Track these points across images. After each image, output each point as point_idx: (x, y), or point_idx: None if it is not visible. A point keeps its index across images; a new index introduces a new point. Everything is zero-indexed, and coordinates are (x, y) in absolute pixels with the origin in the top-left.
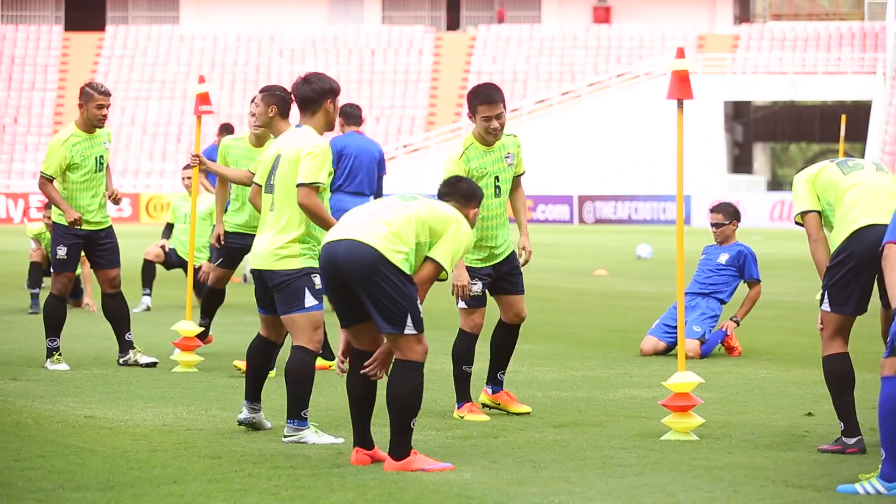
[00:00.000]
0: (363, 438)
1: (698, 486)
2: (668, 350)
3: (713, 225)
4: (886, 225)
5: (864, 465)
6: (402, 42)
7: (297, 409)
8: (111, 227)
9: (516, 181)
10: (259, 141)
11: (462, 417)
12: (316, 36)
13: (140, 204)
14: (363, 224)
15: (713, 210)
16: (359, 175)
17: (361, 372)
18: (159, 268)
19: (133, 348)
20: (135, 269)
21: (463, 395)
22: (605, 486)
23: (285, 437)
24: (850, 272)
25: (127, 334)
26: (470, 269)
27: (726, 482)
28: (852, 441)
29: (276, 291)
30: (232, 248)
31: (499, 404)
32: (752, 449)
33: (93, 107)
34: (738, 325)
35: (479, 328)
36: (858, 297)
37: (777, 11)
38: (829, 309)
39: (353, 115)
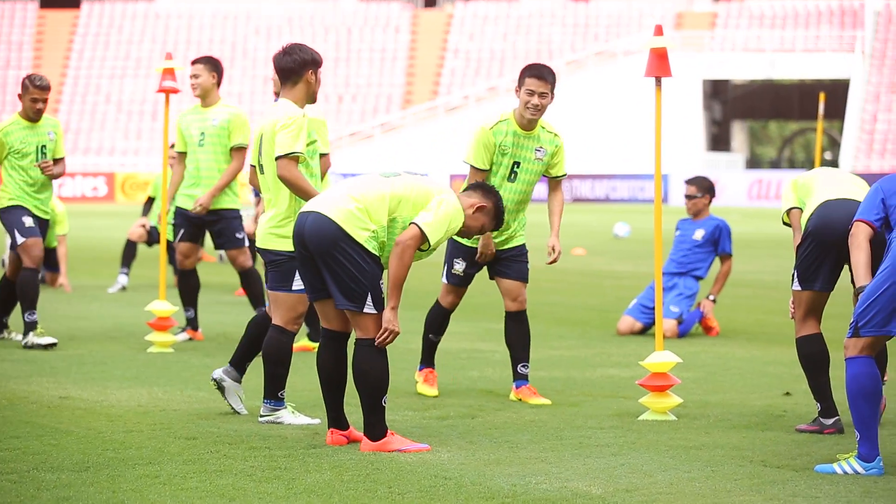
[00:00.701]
0: (337, 419)
1: (676, 465)
2: (645, 330)
3: (686, 196)
4: (848, 199)
5: (842, 445)
6: (379, 19)
7: (273, 390)
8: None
9: (555, 184)
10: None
11: (416, 383)
12: (292, 13)
13: (115, 183)
14: (334, 199)
15: (688, 182)
16: None
17: (353, 355)
18: (142, 246)
19: (7, 328)
20: (111, 249)
21: (424, 360)
22: (583, 466)
23: (261, 416)
24: (816, 249)
25: (28, 313)
26: (460, 247)
27: (704, 462)
28: (830, 421)
29: (270, 267)
30: (190, 220)
31: (520, 399)
32: (730, 429)
33: (27, 99)
34: (715, 302)
35: (454, 306)
36: (826, 274)
37: None
38: (799, 287)
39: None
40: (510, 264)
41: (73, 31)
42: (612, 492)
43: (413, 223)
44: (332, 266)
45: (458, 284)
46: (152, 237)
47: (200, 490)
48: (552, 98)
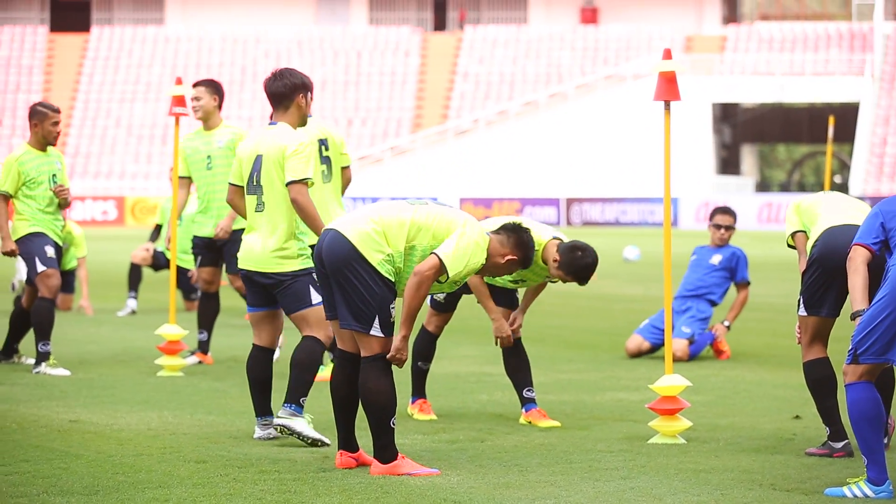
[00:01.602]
0: (347, 441)
1: (685, 489)
2: (653, 350)
3: (723, 227)
4: (852, 225)
5: (852, 469)
6: (389, 43)
7: (296, 395)
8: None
9: (541, 285)
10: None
11: (411, 415)
12: (302, 37)
13: (125, 206)
14: (354, 219)
15: (723, 211)
16: None
17: (360, 378)
18: (148, 270)
19: (17, 352)
20: (121, 272)
21: (415, 391)
22: (592, 490)
23: (278, 416)
24: (822, 275)
25: (42, 343)
26: None
27: (713, 486)
28: (839, 445)
29: (278, 293)
30: (207, 244)
31: (530, 422)
32: (740, 452)
33: (48, 124)
34: (728, 329)
35: (440, 330)
36: (832, 300)
37: (765, 12)
38: (805, 313)
39: None
40: (500, 292)
41: (83, 55)
42: None
43: (433, 253)
44: (343, 285)
45: (442, 310)
46: (158, 261)
47: None
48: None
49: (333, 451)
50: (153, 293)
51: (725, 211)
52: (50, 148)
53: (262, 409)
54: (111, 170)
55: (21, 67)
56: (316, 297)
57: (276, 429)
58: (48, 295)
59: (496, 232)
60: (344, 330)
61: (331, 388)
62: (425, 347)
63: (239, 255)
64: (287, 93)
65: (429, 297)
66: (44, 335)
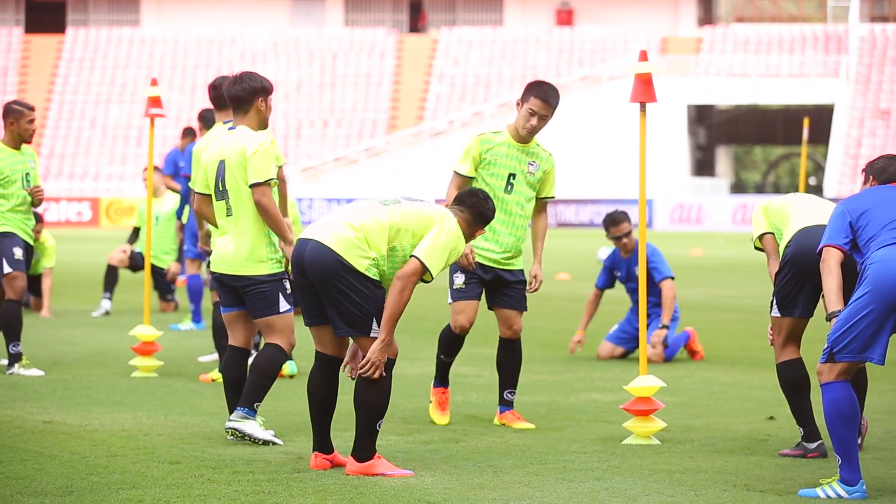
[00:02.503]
0: (322, 443)
1: (660, 490)
2: (626, 354)
3: (623, 236)
4: (825, 226)
5: (826, 470)
6: (364, 44)
7: (251, 399)
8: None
9: (541, 205)
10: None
11: (430, 402)
12: (277, 38)
13: (100, 208)
14: (332, 226)
15: (612, 222)
16: None
17: (358, 374)
18: (125, 272)
19: (19, 361)
20: (95, 273)
21: (437, 378)
22: (566, 491)
23: (230, 420)
24: (794, 276)
25: (12, 345)
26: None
27: (688, 486)
28: (813, 445)
29: (247, 296)
30: None
31: (503, 424)
32: (714, 453)
33: (24, 122)
34: (667, 329)
35: (465, 330)
36: (806, 300)
37: (740, 14)
38: (778, 314)
39: (211, 120)
40: (510, 293)
41: (59, 56)
42: None
43: (413, 256)
44: (334, 295)
45: (463, 298)
46: (135, 262)
47: None
48: (548, 120)
49: (307, 453)
50: (128, 294)
51: (613, 221)
52: (24, 146)
53: (235, 408)
54: (86, 171)
55: None
56: (284, 305)
57: (227, 432)
58: (14, 297)
59: (458, 209)
60: (324, 333)
61: (308, 390)
62: (446, 342)
63: (211, 257)
64: (246, 97)
65: (450, 293)
66: (14, 336)
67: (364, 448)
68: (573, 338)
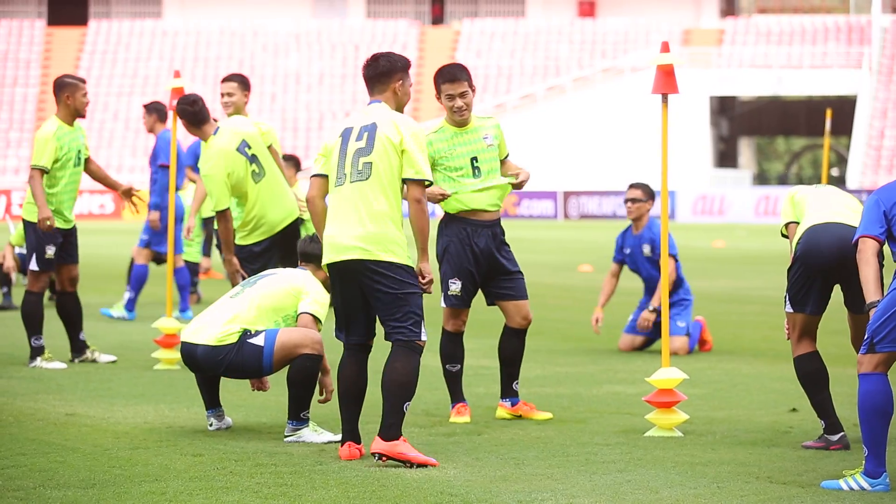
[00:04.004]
0: (353, 432)
1: (682, 482)
2: (647, 344)
3: (630, 200)
4: (834, 223)
5: (849, 462)
6: (386, 36)
7: (296, 410)
8: (75, 225)
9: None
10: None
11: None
12: (299, 30)
13: (123, 201)
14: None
15: (632, 185)
16: (181, 170)
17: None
18: (152, 263)
19: (88, 347)
20: (118, 266)
21: (453, 397)
22: (589, 483)
23: (286, 436)
24: (804, 274)
25: (80, 334)
26: (454, 267)
27: (710, 478)
28: (835, 438)
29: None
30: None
31: (520, 416)
32: (736, 445)
33: (80, 95)
34: (655, 312)
35: (460, 330)
36: (816, 299)
37: (762, 5)
38: (791, 310)
39: (165, 113)
40: (509, 284)
41: (81, 49)
42: None
43: (411, 179)
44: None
45: (458, 306)
46: (159, 255)
47: None
48: (473, 92)
49: (330, 446)
50: (151, 286)
51: (635, 185)
52: (76, 122)
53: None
54: (108, 163)
55: (18, 61)
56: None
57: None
58: (35, 290)
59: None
60: (358, 322)
61: (339, 378)
62: (448, 350)
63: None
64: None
65: (443, 298)
66: (35, 330)
67: (390, 428)
68: (592, 316)
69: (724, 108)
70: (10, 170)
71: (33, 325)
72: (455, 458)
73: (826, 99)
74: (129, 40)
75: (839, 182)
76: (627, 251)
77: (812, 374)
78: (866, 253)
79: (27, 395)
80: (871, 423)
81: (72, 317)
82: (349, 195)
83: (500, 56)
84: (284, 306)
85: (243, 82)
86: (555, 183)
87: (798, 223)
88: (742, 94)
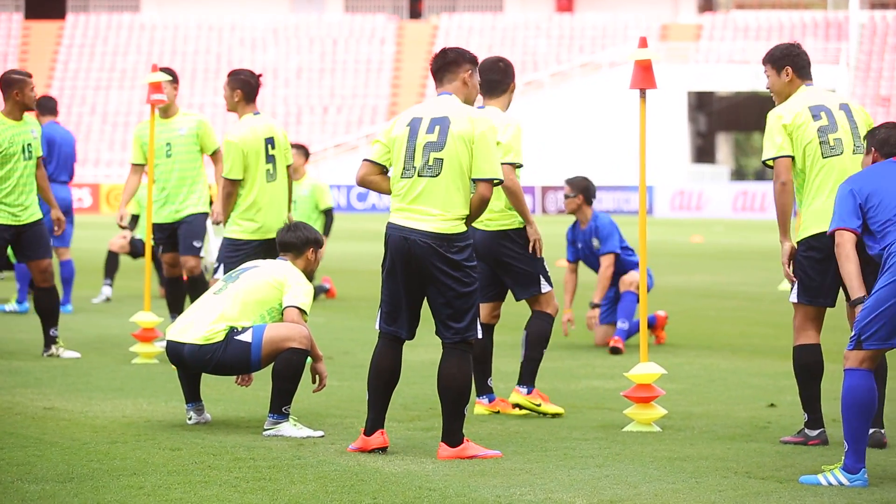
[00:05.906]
0: (380, 420)
1: (660, 477)
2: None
3: (564, 196)
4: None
5: (827, 457)
6: (364, 31)
7: (278, 405)
8: (41, 220)
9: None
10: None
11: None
12: (277, 25)
13: (100, 194)
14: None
15: (566, 181)
16: (69, 163)
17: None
18: (126, 257)
19: (56, 343)
20: (95, 259)
21: (478, 390)
22: (567, 478)
23: (265, 429)
24: (820, 266)
25: (52, 329)
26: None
27: (688, 473)
28: (815, 433)
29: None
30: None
31: (498, 412)
32: (715, 440)
33: (28, 90)
34: (597, 307)
35: (490, 320)
36: (830, 290)
37: (740, 1)
38: (798, 300)
39: (49, 107)
40: (517, 276)
41: (59, 42)
42: (597, 503)
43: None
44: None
45: (487, 300)
46: (136, 248)
47: (184, 501)
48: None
49: (307, 440)
50: (128, 280)
51: (567, 181)
52: (26, 115)
53: (193, 396)
54: (86, 157)
55: None
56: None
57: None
58: (45, 284)
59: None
60: (402, 312)
61: (375, 368)
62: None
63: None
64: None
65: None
66: (52, 321)
67: (454, 433)
68: (562, 318)
69: (701, 103)
70: None
71: (49, 316)
72: (433, 452)
73: None
74: (106, 34)
75: None
76: (580, 245)
77: (810, 365)
78: (845, 247)
79: (4, 389)
80: (853, 418)
81: (44, 312)
82: (418, 190)
83: (478, 51)
84: (268, 299)
85: (173, 76)
86: (533, 178)
87: (793, 158)
88: (720, 90)
